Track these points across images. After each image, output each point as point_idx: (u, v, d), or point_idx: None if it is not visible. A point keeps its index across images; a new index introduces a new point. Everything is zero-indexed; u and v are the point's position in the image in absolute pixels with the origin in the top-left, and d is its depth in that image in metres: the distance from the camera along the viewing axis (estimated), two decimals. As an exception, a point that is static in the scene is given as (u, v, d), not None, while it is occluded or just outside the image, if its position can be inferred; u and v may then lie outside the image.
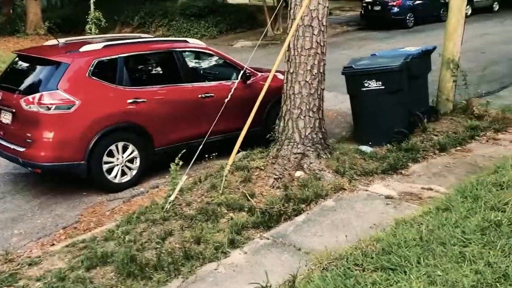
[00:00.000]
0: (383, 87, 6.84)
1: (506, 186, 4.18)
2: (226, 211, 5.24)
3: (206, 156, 6.42)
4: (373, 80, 6.86)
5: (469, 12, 23.42)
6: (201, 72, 8.03)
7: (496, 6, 25.42)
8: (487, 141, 7.15)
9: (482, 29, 19.86)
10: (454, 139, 7.07)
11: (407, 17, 21.10)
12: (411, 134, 7.22)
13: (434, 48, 7.98)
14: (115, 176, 6.53)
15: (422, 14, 21.78)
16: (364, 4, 22.26)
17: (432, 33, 18.96)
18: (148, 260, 4.44)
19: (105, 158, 6.40)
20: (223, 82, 7.50)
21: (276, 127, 6.53)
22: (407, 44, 17.05)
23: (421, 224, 3.91)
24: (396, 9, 21.03)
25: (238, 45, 19.26)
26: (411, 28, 21.06)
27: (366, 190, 5.60)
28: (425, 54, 7.82)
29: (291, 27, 5.98)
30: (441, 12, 22.24)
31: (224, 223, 5.02)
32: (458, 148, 6.88)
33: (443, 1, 22.25)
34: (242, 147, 6.10)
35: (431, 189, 5.57)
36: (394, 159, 6.35)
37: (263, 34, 7.40)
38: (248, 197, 5.48)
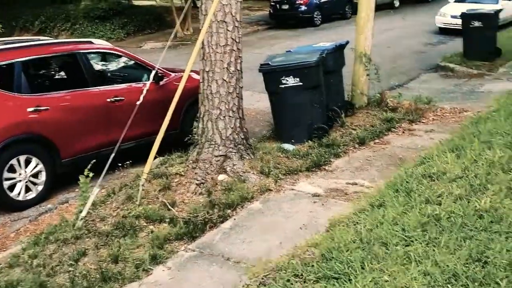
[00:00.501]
0: (301, 83, 6.71)
1: (436, 178, 4.12)
2: (145, 224, 4.83)
3: (120, 164, 5.96)
4: (291, 77, 6.70)
5: (372, 9, 24.29)
6: (109, 74, 7.51)
7: (396, 2, 26.55)
8: (403, 132, 7.25)
9: (386, 25, 20.59)
10: (371, 132, 7.10)
11: (315, 15, 21.45)
12: (330, 129, 7.17)
13: (347, 42, 8.01)
14: (19, 193, 5.92)
15: (329, 12, 22.26)
16: (272, 3, 22.36)
17: (339, 30, 19.44)
18: (61, 285, 3.96)
19: (6, 174, 5.77)
20: (133, 84, 7.05)
21: (195, 129, 6.18)
22: (316, 42, 17.38)
23: (358, 223, 3.74)
24: (303, 8, 21.30)
25: (147, 47, 18.62)
26: (318, 26, 21.44)
27: (293, 189, 5.41)
28: (339, 49, 7.83)
29: (203, 23, 5.66)
30: (346, 9, 22.92)
31: (143, 237, 4.62)
32: (377, 140, 6.90)
33: (347, -2, 22.90)
34: (159, 153, 5.70)
35: (355, 184, 5.49)
36: (316, 155, 6.24)
37: (172, 35, 7.04)
38: (169, 207, 5.11)
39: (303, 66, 6.69)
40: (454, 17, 16.30)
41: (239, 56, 5.92)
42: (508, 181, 3.76)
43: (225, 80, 5.79)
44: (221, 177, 5.63)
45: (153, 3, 24.47)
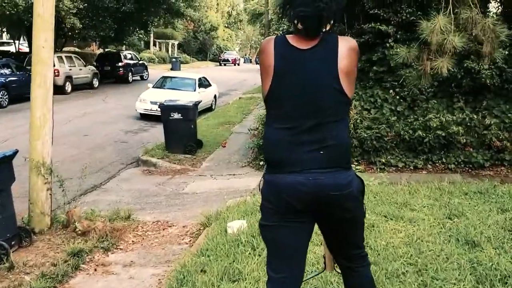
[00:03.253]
0: None
1: None
2: None
3: None
4: None
5: (70, 89, 22.64)
6: None
7: (96, 82, 25.50)
8: (96, 269, 5.58)
9: (84, 107, 19.22)
10: (52, 276, 5.18)
11: (1, 96, 18.57)
12: (-7, 276, 5.07)
13: (16, 152, 6.07)
14: None
15: (18, 91, 19.68)
16: None
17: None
18: None
19: None
20: None
21: None
22: (4, 127, 14.69)
23: None
24: (-17, 88, 18.23)
25: None
26: (6, 107, 18.61)
27: None
28: (6, 161, 5.86)
29: None
30: (40, 89, 20.64)
31: None
32: (60, 290, 5.08)
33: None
34: None
35: None
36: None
37: None
38: None
39: None
40: (154, 103, 15.85)
41: None
42: None
43: None
44: None
45: None
